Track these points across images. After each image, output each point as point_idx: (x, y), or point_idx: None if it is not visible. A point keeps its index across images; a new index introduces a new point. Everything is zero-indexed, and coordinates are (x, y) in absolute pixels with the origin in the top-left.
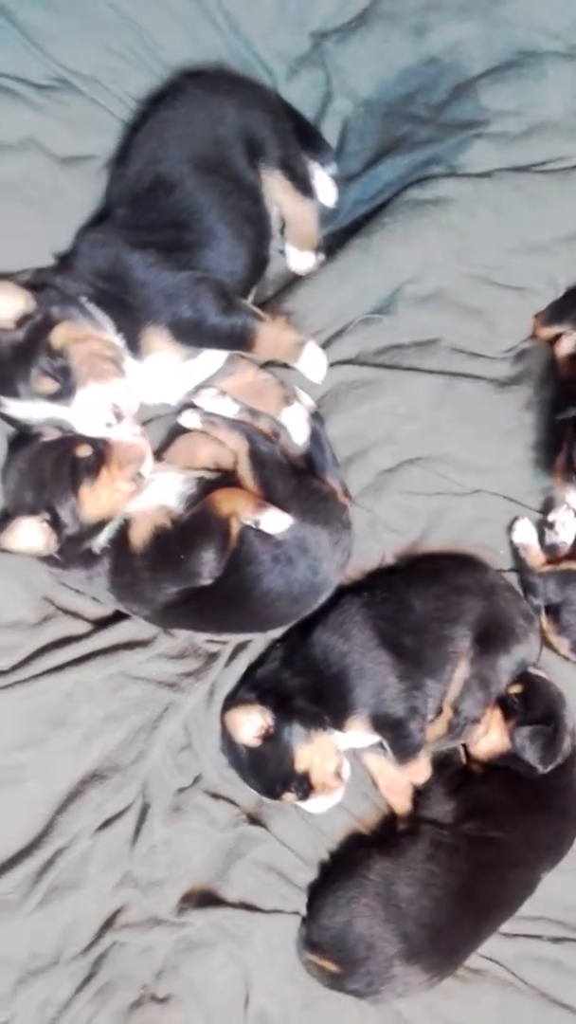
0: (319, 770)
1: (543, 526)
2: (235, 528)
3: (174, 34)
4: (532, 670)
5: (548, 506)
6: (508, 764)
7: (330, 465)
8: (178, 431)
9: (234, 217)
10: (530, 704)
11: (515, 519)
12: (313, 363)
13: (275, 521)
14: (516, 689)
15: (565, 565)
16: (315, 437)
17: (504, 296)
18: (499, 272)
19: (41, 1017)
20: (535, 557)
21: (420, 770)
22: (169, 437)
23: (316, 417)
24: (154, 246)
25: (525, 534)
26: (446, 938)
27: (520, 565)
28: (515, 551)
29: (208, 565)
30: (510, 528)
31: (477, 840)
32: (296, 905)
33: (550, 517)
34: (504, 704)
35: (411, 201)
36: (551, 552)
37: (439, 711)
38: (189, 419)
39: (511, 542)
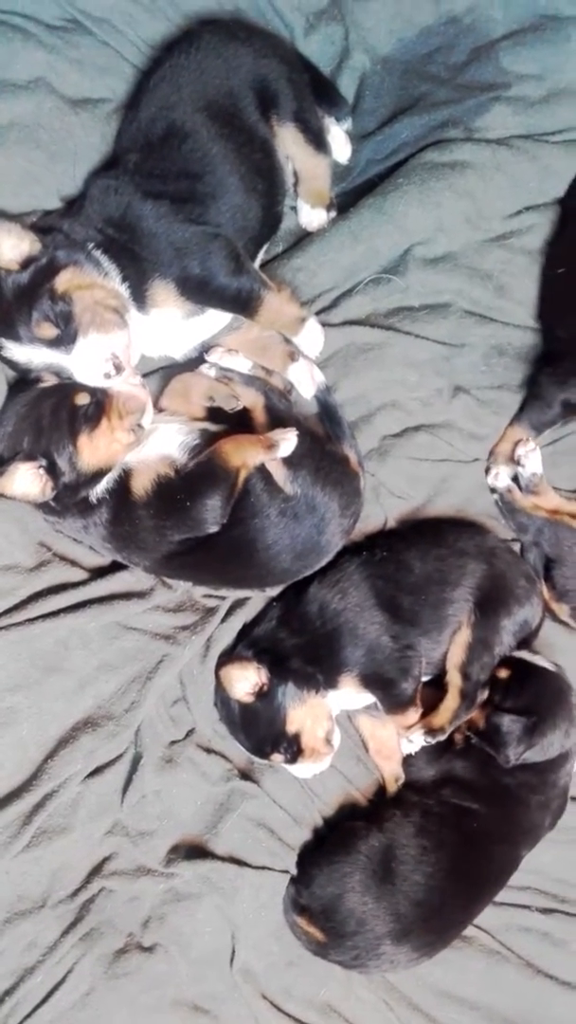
0: (310, 733)
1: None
2: (242, 477)
3: None
4: (542, 661)
5: None
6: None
7: (346, 436)
8: (171, 373)
9: (247, 170)
10: (513, 692)
11: (487, 469)
12: (312, 339)
13: (287, 444)
14: (504, 674)
15: (558, 514)
16: (327, 409)
17: (515, 260)
18: (511, 237)
19: (26, 959)
20: (521, 499)
21: (409, 722)
22: (165, 382)
23: (326, 390)
24: (167, 196)
25: (502, 477)
26: (437, 916)
27: (507, 511)
28: (499, 500)
29: (214, 512)
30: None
31: (459, 810)
32: (286, 863)
33: (515, 455)
34: (491, 683)
35: (427, 163)
36: (530, 489)
37: (443, 676)
38: (206, 371)
39: (492, 490)
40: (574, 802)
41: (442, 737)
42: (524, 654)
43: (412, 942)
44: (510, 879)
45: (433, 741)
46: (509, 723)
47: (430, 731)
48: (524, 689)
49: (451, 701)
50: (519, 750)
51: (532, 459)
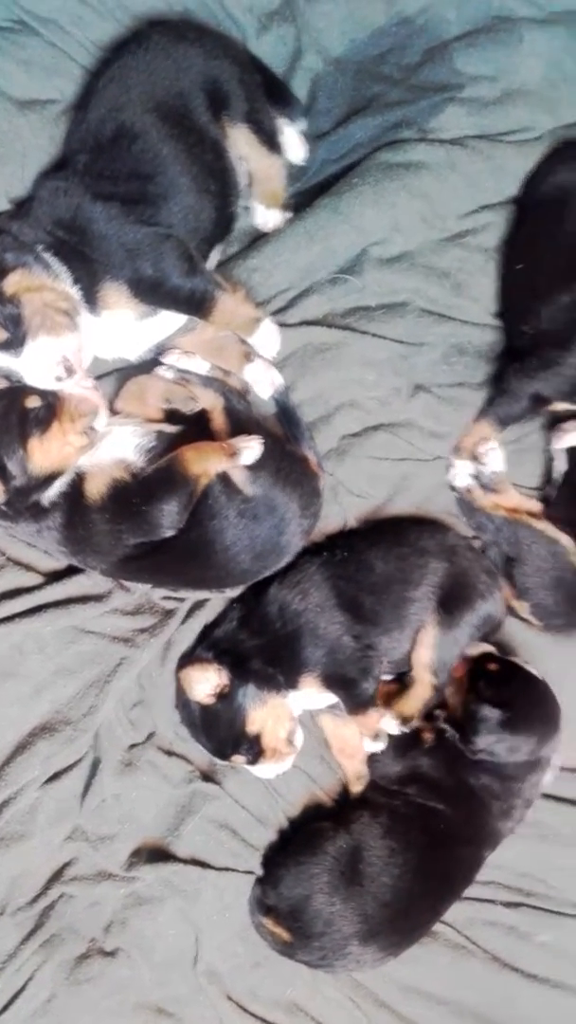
0: (271, 734)
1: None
2: (202, 485)
3: None
4: (533, 670)
5: None
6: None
7: (304, 436)
8: (127, 375)
9: (198, 171)
10: (498, 685)
11: (449, 467)
12: (267, 340)
13: (251, 452)
14: (493, 667)
15: (517, 513)
16: (285, 410)
17: (472, 258)
18: (467, 236)
19: None
20: (481, 498)
21: (371, 723)
22: (120, 384)
23: (284, 390)
24: (117, 198)
25: (462, 477)
26: (404, 917)
27: (467, 509)
28: (460, 499)
29: (170, 517)
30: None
31: (424, 810)
32: (250, 864)
33: (477, 452)
34: (474, 672)
35: (382, 164)
36: (492, 488)
37: (406, 674)
38: (163, 373)
39: (452, 488)
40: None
41: (411, 726)
42: (518, 660)
43: (379, 942)
44: (475, 877)
45: (406, 729)
46: (487, 711)
47: (402, 720)
48: (510, 686)
49: (421, 691)
50: (489, 739)
51: (494, 457)
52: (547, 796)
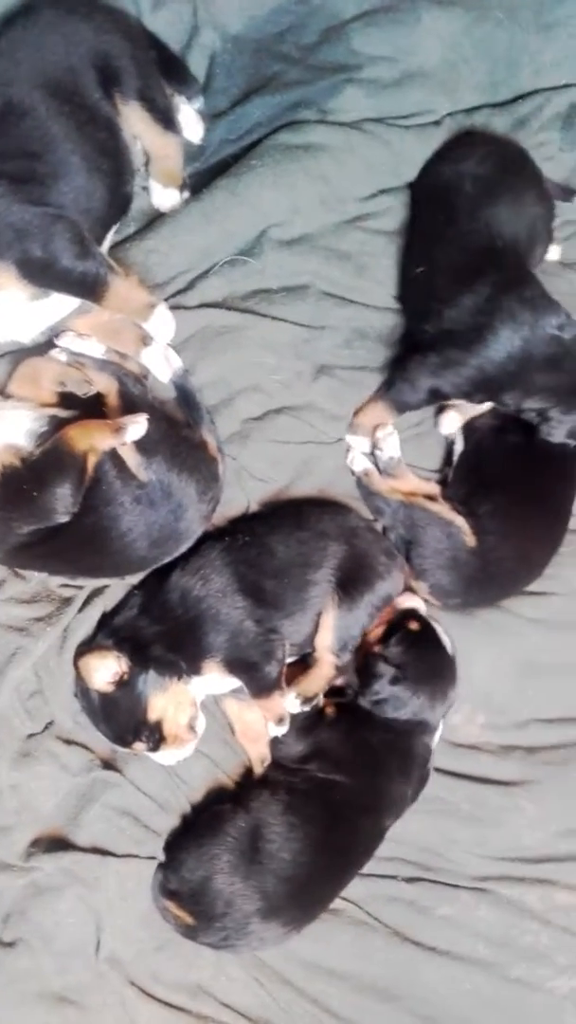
0: (172, 721)
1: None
2: (92, 463)
3: None
4: (446, 639)
5: None
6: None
7: (204, 420)
8: (20, 357)
9: (90, 149)
10: (403, 646)
11: (347, 453)
12: (162, 326)
13: (137, 427)
14: (415, 626)
15: (414, 496)
16: (185, 393)
17: (373, 240)
18: (368, 219)
19: None
20: (379, 482)
21: (275, 707)
22: (12, 366)
23: (183, 374)
24: (5, 176)
25: (359, 461)
26: (305, 891)
27: (365, 493)
28: (359, 482)
29: (63, 501)
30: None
31: (324, 783)
32: (152, 850)
33: (374, 437)
34: (393, 624)
35: (281, 145)
36: (388, 472)
37: (310, 655)
38: (57, 355)
39: (352, 472)
40: (438, 774)
41: (313, 705)
42: (438, 627)
43: (281, 918)
44: (376, 850)
45: (308, 709)
46: (382, 667)
47: (304, 700)
48: (412, 650)
49: (324, 671)
50: (376, 689)
51: (390, 443)
52: (447, 773)
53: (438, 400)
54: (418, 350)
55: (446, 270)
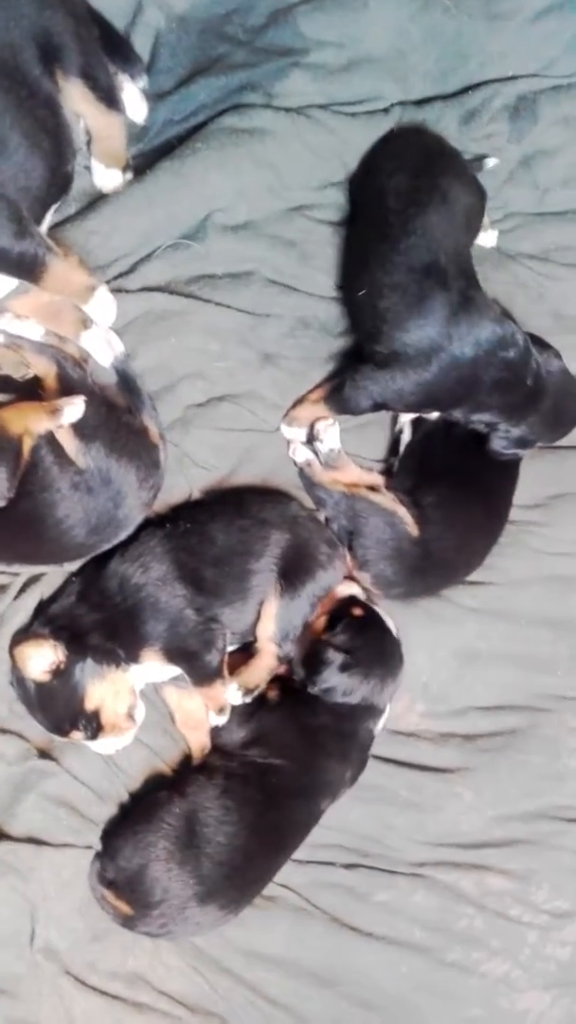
0: (110, 710)
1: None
2: (27, 447)
3: None
4: (390, 623)
5: None
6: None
7: (145, 405)
8: None
9: (29, 127)
10: (349, 632)
11: (289, 443)
12: (103, 308)
13: (73, 409)
14: (358, 612)
15: (356, 487)
16: (126, 378)
17: (318, 229)
18: (313, 208)
19: None
20: (320, 473)
21: (216, 696)
22: None
23: (125, 358)
24: None
25: (301, 452)
26: (241, 874)
27: (307, 484)
28: (301, 472)
29: None
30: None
31: (261, 768)
32: (89, 839)
33: (314, 430)
34: (336, 613)
35: (227, 129)
36: (330, 463)
37: (251, 644)
38: None
39: (295, 463)
40: (377, 761)
41: (253, 695)
42: (382, 612)
43: (218, 901)
44: (315, 837)
45: (248, 700)
46: (331, 654)
47: (246, 691)
48: (360, 635)
49: (265, 661)
50: (325, 677)
51: (330, 435)
52: (386, 760)
53: (384, 410)
54: (370, 363)
55: (390, 292)
